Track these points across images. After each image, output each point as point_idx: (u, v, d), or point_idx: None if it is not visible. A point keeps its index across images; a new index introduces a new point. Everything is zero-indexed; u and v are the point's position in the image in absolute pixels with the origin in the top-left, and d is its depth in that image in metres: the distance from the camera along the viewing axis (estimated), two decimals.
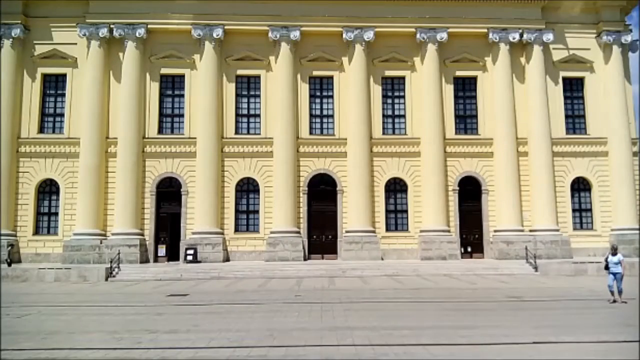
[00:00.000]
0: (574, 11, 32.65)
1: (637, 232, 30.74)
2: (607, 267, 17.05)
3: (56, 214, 30.35)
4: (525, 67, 32.15)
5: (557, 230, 30.59)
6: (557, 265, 26.98)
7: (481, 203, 31.58)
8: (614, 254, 17.06)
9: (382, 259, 29.72)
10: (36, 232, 30.15)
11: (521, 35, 31.56)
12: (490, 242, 30.97)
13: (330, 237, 31.01)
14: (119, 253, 27.70)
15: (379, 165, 31.34)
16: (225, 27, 30.74)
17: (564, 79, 32.61)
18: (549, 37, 31.53)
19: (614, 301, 16.38)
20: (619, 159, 31.53)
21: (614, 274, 16.68)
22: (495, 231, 30.90)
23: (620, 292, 16.48)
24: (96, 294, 21.05)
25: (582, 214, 32.12)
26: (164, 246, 30.38)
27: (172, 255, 30.28)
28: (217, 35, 30.60)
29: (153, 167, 30.61)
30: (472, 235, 31.44)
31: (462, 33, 31.76)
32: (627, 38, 32.29)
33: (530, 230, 30.63)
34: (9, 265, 26.87)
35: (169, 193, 30.79)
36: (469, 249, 31.21)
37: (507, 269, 27.38)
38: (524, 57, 32.23)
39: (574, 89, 32.96)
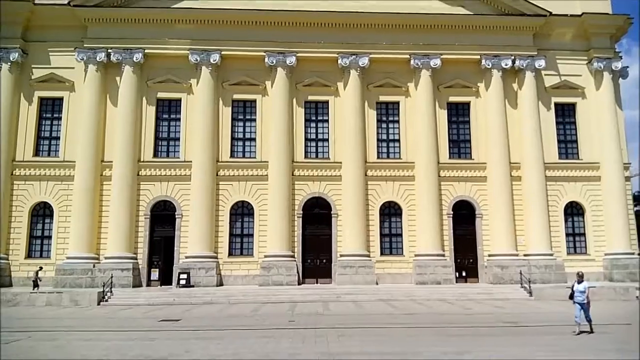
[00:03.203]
0: (565, 38, 33.28)
1: (631, 256, 30.82)
2: (572, 297, 15.91)
3: (49, 237, 30.17)
4: (517, 93, 32.59)
5: (551, 254, 30.62)
6: (551, 290, 26.92)
7: (475, 227, 31.64)
8: (580, 281, 15.92)
9: (377, 283, 29.58)
10: (28, 255, 29.91)
11: (513, 62, 32.08)
12: (485, 266, 30.93)
13: (324, 261, 30.89)
14: (111, 277, 27.51)
15: (373, 189, 31.44)
16: (222, 53, 31.13)
17: (556, 105, 33.05)
18: (540, 63, 32.06)
19: (580, 332, 15.22)
20: (612, 183, 31.78)
21: (580, 304, 15.53)
22: (489, 255, 30.89)
23: (589, 321, 15.46)
24: (88, 318, 20.84)
25: (576, 239, 32.19)
26: (157, 270, 30.16)
27: (165, 279, 30.05)
28: (214, 61, 30.95)
29: (148, 190, 30.59)
30: (466, 260, 31.40)
31: (456, 59, 32.25)
32: (618, 65, 32.88)
33: (525, 255, 30.65)
34: (36, 286, 26.62)
35: (163, 216, 30.72)
36: (464, 274, 31.13)
37: (502, 293, 27.30)
38: (516, 83, 32.70)
39: (566, 115, 33.37)
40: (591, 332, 15.42)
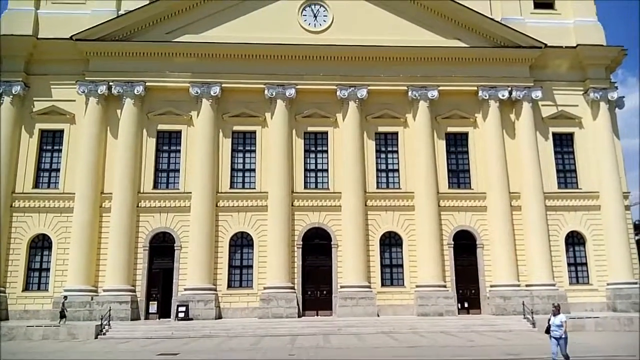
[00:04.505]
0: (561, 69, 33.75)
1: (633, 286, 30.55)
2: (548, 330, 15.07)
3: (47, 269, 29.90)
4: (515, 123, 32.85)
5: (554, 285, 30.36)
6: None
7: (476, 257, 31.44)
8: (556, 314, 15.06)
9: (378, 315, 29.22)
10: (26, 288, 29.58)
11: (510, 93, 32.44)
12: (487, 297, 30.62)
13: (324, 292, 30.57)
14: (109, 310, 27.19)
15: (373, 219, 31.36)
16: (223, 85, 31.49)
17: (554, 135, 33.27)
18: (537, 94, 32.42)
19: None
20: (612, 212, 31.74)
21: (557, 339, 14.72)
22: (491, 286, 30.61)
23: (566, 358, 14.64)
24: (85, 352, 20.52)
25: (578, 268, 31.96)
26: (156, 303, 29.81)
27: (164, 312, 29.68)
28: (215, 93, 31.28)
29: (147, 222, 30.50)
30: (468, 291, 31.09)
31: (453, 91, 32.63)
32: (614, 95, 33.25)
33: (527, 285, 30.38)
34: (63, 317, 26.29)
35: (162, 248, 30.54)
36: (466, 305, 30.78)
37: (505, 325, 26.96)
38: (513, 114, 32.99)
39: (564, 144, 33.55)
40: None
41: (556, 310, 15.16)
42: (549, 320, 15.19)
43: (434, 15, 33.18)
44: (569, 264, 31.75)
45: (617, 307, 30.16)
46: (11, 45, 30.90)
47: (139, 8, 31.67)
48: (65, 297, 27.54)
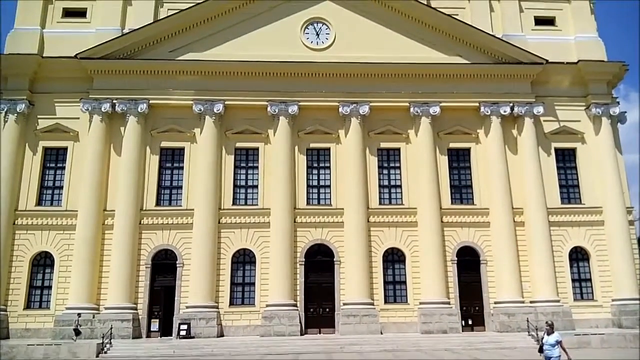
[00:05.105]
0: (563, 85, 33.83)
1: (639, 302, 30.25)
2: (541, 350, 14.25)
3: (49, 287, 29.82)
4: (517, 139, 32.86)
5: (558, 301, 30.11)
6: None
7: (480, 274, 31.23)
8: (550, 332, 14.19)
9: (382, 332, 28.99)
10: (27, 306, 29.45)
11: (512, 109, 32.49)
12: (491, 314, 30.37)
13: (327, 309, 30.37)
14: (111, 328, 27.08)
15: (376, 235, 31.26)
16: (226, 103, 31.64)
17: (556, 150, 33.24)
18: (539, 110, 32.47)
19: None
20: (615, 228, 31.58)
21: (549, 359, 13.86)
22: (495, 303, 30.36)
23: None
24: None
25: (582, 284, 31.70)
26: (157, 321, 29.66)
27: (166, 329, 29.51)
28: (218, 110, 31.43)
29: (149, 239, 30.47)
30: (472, 307, 30.83)
31: (455, 107, 32.71)
32: (615, 110, 33.27)
33: (531, 302, 30.13)
34: (78, 333, 26.27)
35: (165, 265, 30.45)
36: (470, 322, 30.51)
37: (509, 342, 26.72)
38: (515, 129, 33.01)
39: (566, 159, 33.51)
40: None
41: (550, 329, 14.35)
42: (542, 339, 14.52)
43: (435, 32, 33.39)
44: (573, 280, 31.50)
45: (622, 323, 29.86)
46: (16, 63, 31.23)
47: (143, 27, 32.00)
48: (79, 315, 27.58)
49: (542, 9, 35.33)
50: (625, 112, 34.12)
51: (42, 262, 30.30)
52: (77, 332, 26.50)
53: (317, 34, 33.32)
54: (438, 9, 33.54)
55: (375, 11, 33.43)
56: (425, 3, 33.93)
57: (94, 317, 28.30)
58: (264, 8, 33.08)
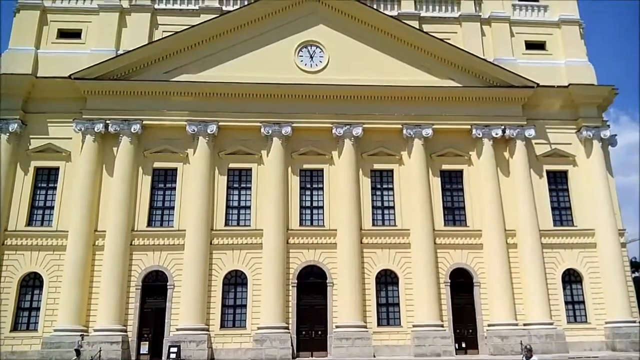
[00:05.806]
0: (554, 108, 34.19)
1: (632, 324, 30.17)
2: None
3: (37, 308, 29.31)
4: (509, 161, 33.06)
5: (552, 323, 29.97)
6: None
7: (473, 296, 31.09)
8: (529, 356, 13.89)
9: (374, 355, 28.67)
10: (14, 328, 28.92)
11: (504, 131, 32.76)
12: (485, 336, 30.13)
13: (319, 332, 30.04)
14: (99, 350, 26.66)
15: (369, 257, 31.11)
16: (219, 123, 31.68)
17: (548, 172, 33.44)
18: (530, 132, 32.76)
19: None
20: (608, 250, 31.63)
21: None
22: (489, 325, 30.17)
23: None
24: None
25: (575, 307, 31.60)
26: (147, 343, 29.17)
27: (155, 352, 29.03)
28: (211, 131, 31.47)
29: (140, 260, 30.16)
30: (465, 330, 30.60)
31: (447, 129, 32.93)
32: (606, 133, 33.62)
33: (524, 324, 29.97)
34: (78, 354, 25.91)
35: (155, 287, 30.08)
36: (463, 345, 30.26)
37: None
38: (507, 152, 33.24)
39: (558, 182, 33.69)
40: None
41: (528, 353, 14.00)
42: None
43: (427, 55, 33.78)
44: (566, 302, 31.40)
45: (616, 346, 29.70)
46: (10, 83, 31.17)
47: (137, 48, 32.18)
48: (82, 336, 27.40)
49: (532, 33, 35.95)
50: (616, 135, 34.43)
51: (31, 283, 29.85)
52: (78, 353, 26.15)
53: (311, 57, 33.63)
54: (430, 33, 34.05)
55: (368, 35, 33.87)
56: (418, 27, 34.43)
57: (82, 339, 27.82)
58: (259, 31, 33.43)
